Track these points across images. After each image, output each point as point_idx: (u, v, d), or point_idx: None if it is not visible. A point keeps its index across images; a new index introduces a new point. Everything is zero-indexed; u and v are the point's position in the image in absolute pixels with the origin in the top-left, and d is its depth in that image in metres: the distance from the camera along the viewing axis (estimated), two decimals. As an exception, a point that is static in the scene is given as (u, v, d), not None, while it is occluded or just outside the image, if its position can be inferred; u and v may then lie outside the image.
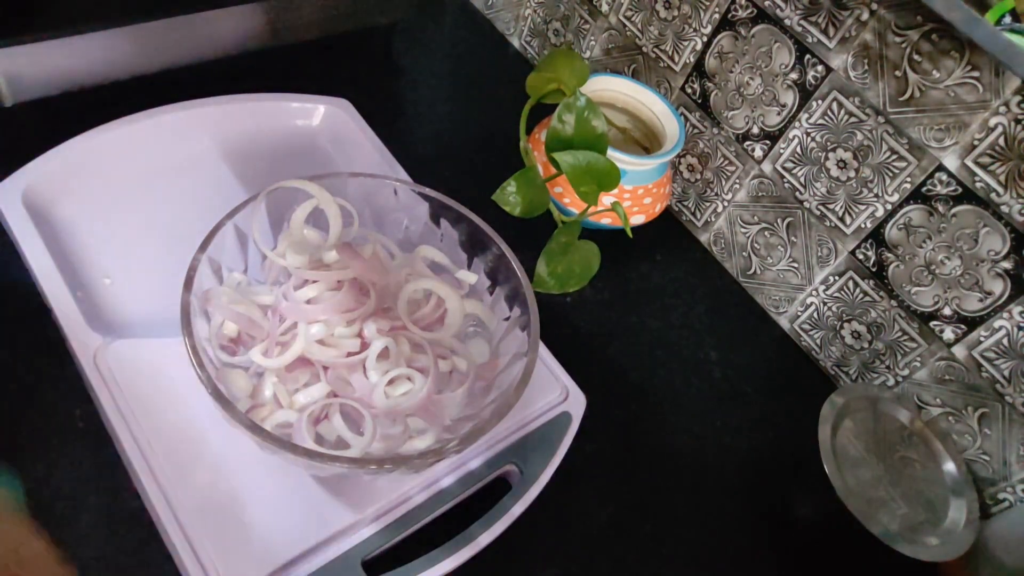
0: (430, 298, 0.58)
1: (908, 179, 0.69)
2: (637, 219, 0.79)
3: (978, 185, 0.64)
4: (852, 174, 0.73)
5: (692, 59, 0.83)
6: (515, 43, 1.06)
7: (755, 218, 0.83)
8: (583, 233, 0.75)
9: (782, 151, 0.78)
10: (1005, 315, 0.66)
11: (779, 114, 0.76)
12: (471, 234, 0.60)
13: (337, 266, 0.56)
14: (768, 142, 0.79)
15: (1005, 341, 0.67)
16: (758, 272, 0.85)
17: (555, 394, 0.63)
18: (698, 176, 0.87)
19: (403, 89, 0.94)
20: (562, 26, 0.97)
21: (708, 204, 0.87)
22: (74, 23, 0.70)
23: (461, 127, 0.92)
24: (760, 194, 0.81)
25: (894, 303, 0.74)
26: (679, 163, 0.89)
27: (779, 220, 0.81)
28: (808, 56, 0.72)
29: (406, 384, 0.53)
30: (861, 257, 0.75)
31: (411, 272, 0.59)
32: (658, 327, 0.80)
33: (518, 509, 0.56)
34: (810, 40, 0.72)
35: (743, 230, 0.85)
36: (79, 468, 0.55)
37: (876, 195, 0.72)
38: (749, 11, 0.75)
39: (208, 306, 0.52)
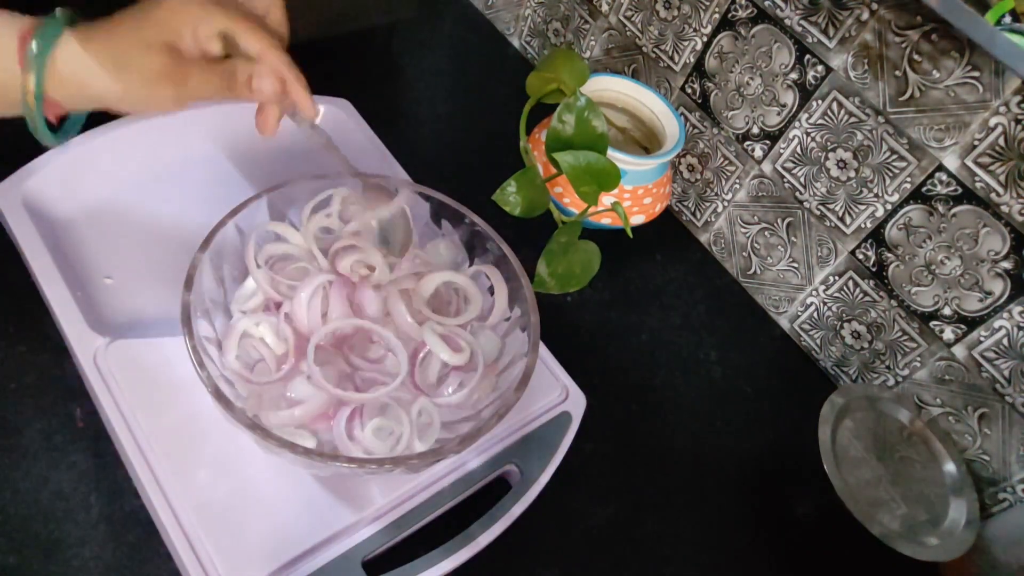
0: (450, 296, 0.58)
1: (908, 179, 0.69)
2: (637, 219, 0.79)
3: (978, 185, 0.64)
4: (852, 174, 0.73)
5: (692, 59, 0.83)
6: (515, 43, 1.06)
7: (755, 218, 0.83)
8: (583, 233, 0.75)
9: (782, 151, 0.78)
10: (1005, 315, 0.66)
11: (779, 114, 0.76)
12: (472, 234, 0.60)
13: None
14: (768, 142, 0.79)
15: (1005, 341, 0.67)
16: (758, 272, 0.85)
17: (555, 394, 0.63)
18: (698, 176, 0.87)
19: (403, 89, 0.94)
20: (562, 26, 0.97)
21: (708, 204, 0.87)
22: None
23: (461, 127, 0.92)
24: (760, 194, 0.81)
25: (894, 303, 0.74)
26: (679, 163, 0.89)
27: (779, 220, 0.81)
28: (808, 56, 0.72)
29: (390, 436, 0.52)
30: (861, 257, 0.75)
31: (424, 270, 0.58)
32: (658, 327, 0.80)
33: (518, 509, 0.56)
34: (810, 40, 0.72)
35: (743, 230, 0.85)
36: (79, 468, 0.55)
37: (876, 195, 0.72)
38: (749, 11, 0.75)
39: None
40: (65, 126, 0.48)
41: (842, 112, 0.71)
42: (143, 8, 0.44)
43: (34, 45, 0.41)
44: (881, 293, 0.75)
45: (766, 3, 0.74)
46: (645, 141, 0.84)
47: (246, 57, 0.46)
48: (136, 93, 0.44)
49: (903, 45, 0.65)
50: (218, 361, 0.50)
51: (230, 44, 0.46)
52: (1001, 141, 0.62)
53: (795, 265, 0.81)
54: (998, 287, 0.66)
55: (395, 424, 0.51)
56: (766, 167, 0.80)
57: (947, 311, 0.70)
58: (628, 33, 0.89)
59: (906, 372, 0.75)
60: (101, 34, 0.43)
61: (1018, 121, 0.61)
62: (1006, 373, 0.67)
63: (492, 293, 0.60)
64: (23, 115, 0.44)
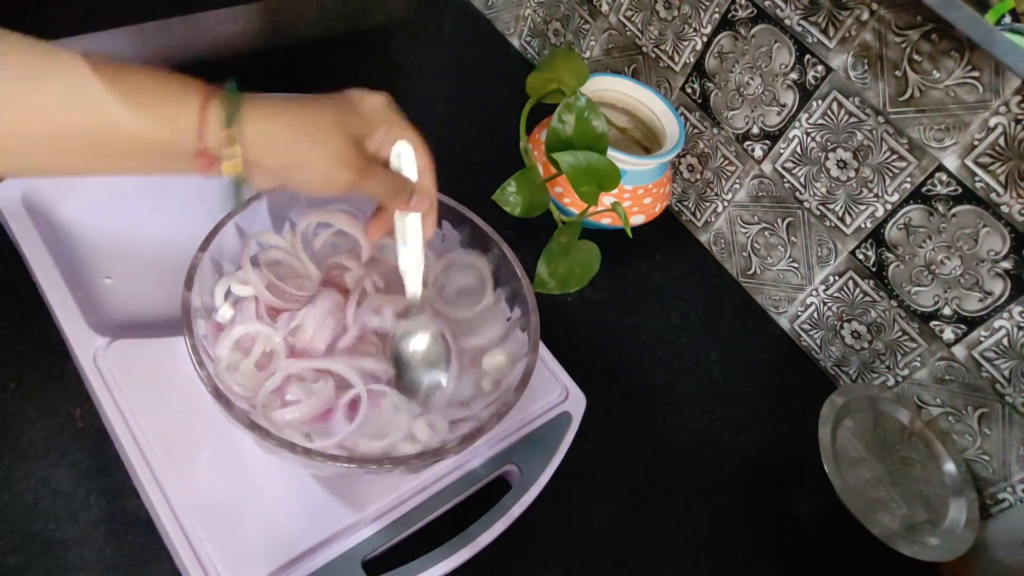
0: None
1: (908, 179, 0.69)
2: (637, 219, 0.79)
3: (978, 185, 0.64)
4: (852, 174, 0.73)
5: (692, 59, 0.83)
6: (515, 43, 1.06)
7: (755, 218, 0.83)
8: (583, 233, 0.75)
9: (782, 151, 0.78)
10: (1005, 315, 0.66)
11: (779, 114, 0.76)
12: (472, 235, 0.60)
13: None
14: (768, 142, 0.79)
15: (1005, 341, 0.67)
16: (758, 272, 0.85)
17: (555, 394, 0.63)
18: (698, 176, 0.87)
19: (403, 89, 0.94)
20: (562, 26, 0.97)
21: (708, 204, 0.87)
22: (75, 24, 0.70)
23: (461, 127, 0.92)
24: (760, 194, 0.81)
25: (894, 303, 0.74)
26: (679, 163, 0.89)
27: (779, 220, 0.81)
28: (808, 56, 0.72)
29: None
30: (861, 257, 0.75)
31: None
32: (658, 327, 0.80)
33: (518, 509, 0.56)
34: (810, 40, 0.72)
35: (743, 230, 0.85)
36: (79, 468, 0.55)
37: (876, 195, 0.72)
38: (749, 11, 0.75)
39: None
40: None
41: (842, 112, 0.71)
42: (346, 99, 0.46)
43: (225, 106, 0.42)
44: (881, 293, 0.75)
45: (766, 3, 0.74)
46: (645, 141, 0.84)
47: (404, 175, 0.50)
48: (317, 168, 0.45)
49: (903, 45, 0.65)
50: (212, 368, 0.50)
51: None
52: (1001, 141, 0.62)
53: (795, 265, 0.81)
54: (998, 287, 0.66)
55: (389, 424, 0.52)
56: (766, 167, 0.80)
57: (947, 311, 0.70)
58: (628, 33, 0.89)
59: (906, 372, 0.75)
60: (294, 107, 0.44)
61: (1018, 121, 0.61)
62: (1006, 373, 0.67)
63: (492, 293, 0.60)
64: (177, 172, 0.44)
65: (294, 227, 0.58)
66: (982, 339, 0.68)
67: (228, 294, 0.54)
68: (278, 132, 0.43)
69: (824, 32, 0.70)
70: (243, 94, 0.43)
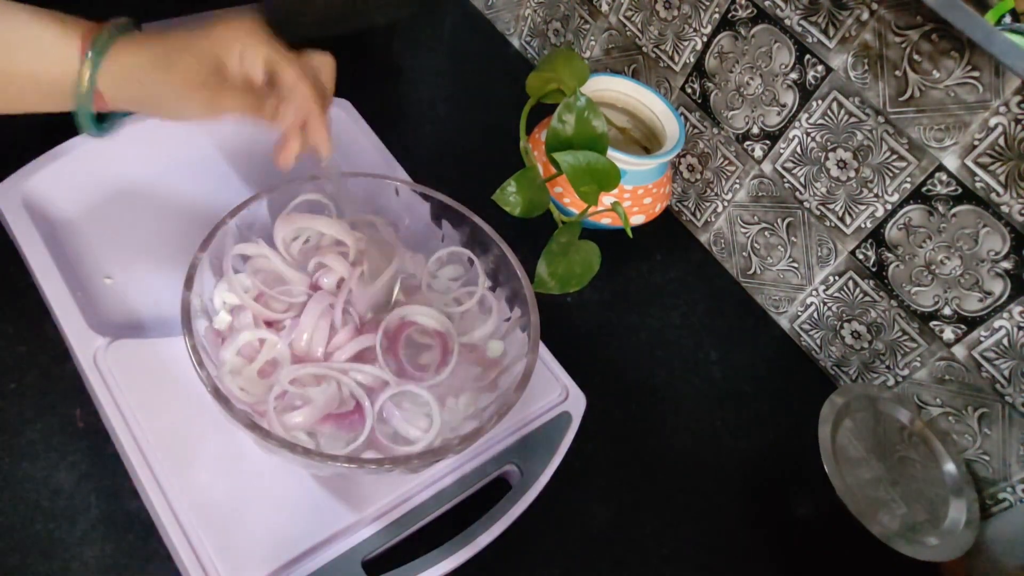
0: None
1: (908, 179, 0.69)
2: (637, 219, 0.79)
3: (978, 185, 0.64)
4: (852, 174, 0.73)
5: (692, 59, 0.83)
6: (515, 43, 1.06)
7: (755, 218, 0.83)
8: (583, 233, 0.75)
9: (782, 151, 0.78)
10: (1005, 315, 0.66)
11: (779, 114, 0.76)
12: (472, 235, 0.60)
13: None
14: (768, 142, 0.79)
15: (1005, 341, 0.67)
16: (758, 272, 0.85)
17: (555, 394, 0.63)
18: (698, 176, 0.87)
19: (403, 89, 0.94)
20: (562, 26, 0.97)
21: (708, 204, 0.87)
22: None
23: (461, 127, 0.92)
24: (760, 194, 0.81)
25: (894, 303, 0.74)
26: (679, 163, 0.89)
27: (779, 220, 0.81)
28: (808, 56, 0.72)
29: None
30: (861, 257, 0.75)
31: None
32: (658, 327, 0.80)
33: (518, 509, 0.56)
34: (810, 40, 0.72)
35: (743, 230, 0.85)
36: (79, 468, 0.55)
37: (876, 195, 0.72)
38: (749, 11, 0.75)
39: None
40: (108, 121, 0.51)
41: (842, 112, 0.71)
42: (203, 24, 0.47)
43: (95, 42, 0.45)
44: (881, 293, 0.75)
45: (766, 3, 0.74)
46: (645, 141, 0.84)
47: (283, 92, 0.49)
48: (173, 94, 0.46)
49: (903, 45, 0.65)
50: (213, 369, 0.50)
51: (272, 79, 0.49)
52: (1001, 141, 0.62)
53: (795, 265, 0.81)
54: (998, 287, 0.66)
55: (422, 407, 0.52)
56: (766, 167, 0.80)
57: (947, 311, 0.70)
58: (628, 33, 0.89)
59: (906, 372, 0.75)
60: (156, 38, 0.46)
61: (1018, 121, 0.61)
62: (1006, 373, 0.67)
63: (492, 291, 0.60)
64: (73, 107, 0.47)
65: (272, 237, 0.58)
66: (982, 339, 0.68)
67: (224, 301, 0.54)
68: (139, 64, 0.45)
69: (824, 32, 0.70)
70: (119, 33, 0.45)
